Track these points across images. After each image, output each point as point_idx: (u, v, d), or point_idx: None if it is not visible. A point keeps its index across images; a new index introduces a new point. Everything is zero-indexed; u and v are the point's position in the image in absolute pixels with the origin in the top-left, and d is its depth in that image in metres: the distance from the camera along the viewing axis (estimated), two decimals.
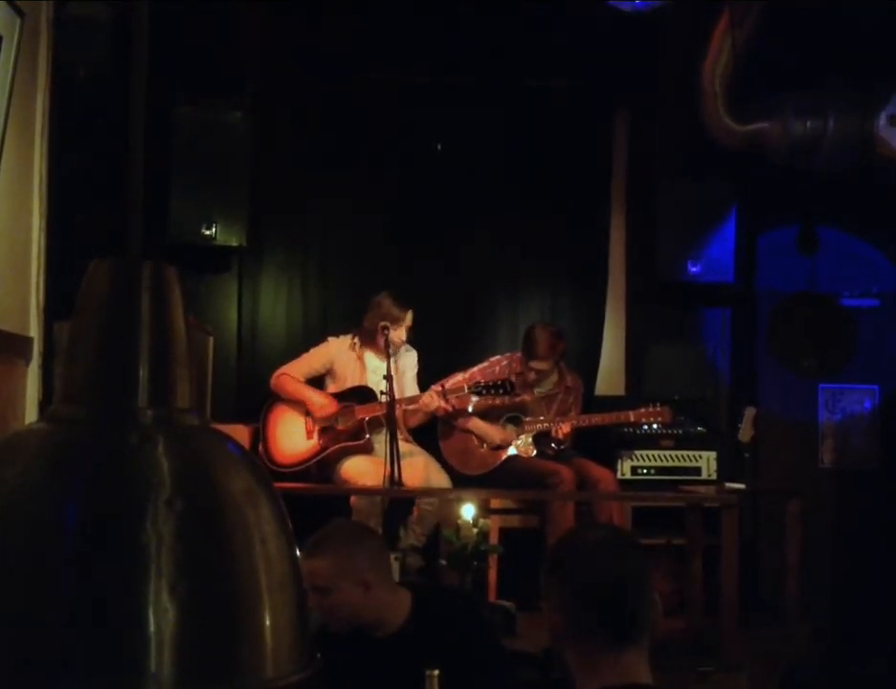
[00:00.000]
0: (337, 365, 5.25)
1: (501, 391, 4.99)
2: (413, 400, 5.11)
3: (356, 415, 5.04)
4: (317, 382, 5.28)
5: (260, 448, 5.09)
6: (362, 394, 5.09)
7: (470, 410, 5.19)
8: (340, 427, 5.07)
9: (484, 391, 5.00)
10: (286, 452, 5.09)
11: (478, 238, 5.99)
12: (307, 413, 5.13)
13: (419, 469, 4.95)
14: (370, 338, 5.17)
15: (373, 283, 5.37)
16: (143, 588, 0.71)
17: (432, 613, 2.78)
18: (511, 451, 5.24)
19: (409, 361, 5.33)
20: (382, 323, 5.04)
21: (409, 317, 5.16)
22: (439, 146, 5.83)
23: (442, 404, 5.09)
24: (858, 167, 5.45)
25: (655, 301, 6.09)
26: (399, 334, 5.14)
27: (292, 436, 5.11)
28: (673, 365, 5.93)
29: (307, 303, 5.99)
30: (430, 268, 5.94)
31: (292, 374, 5.19)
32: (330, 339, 5.34)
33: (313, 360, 5.28)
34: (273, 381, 5.20)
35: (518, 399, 5.18)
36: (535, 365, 5.22)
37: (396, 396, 4.90)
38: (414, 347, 5.36)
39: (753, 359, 6.10)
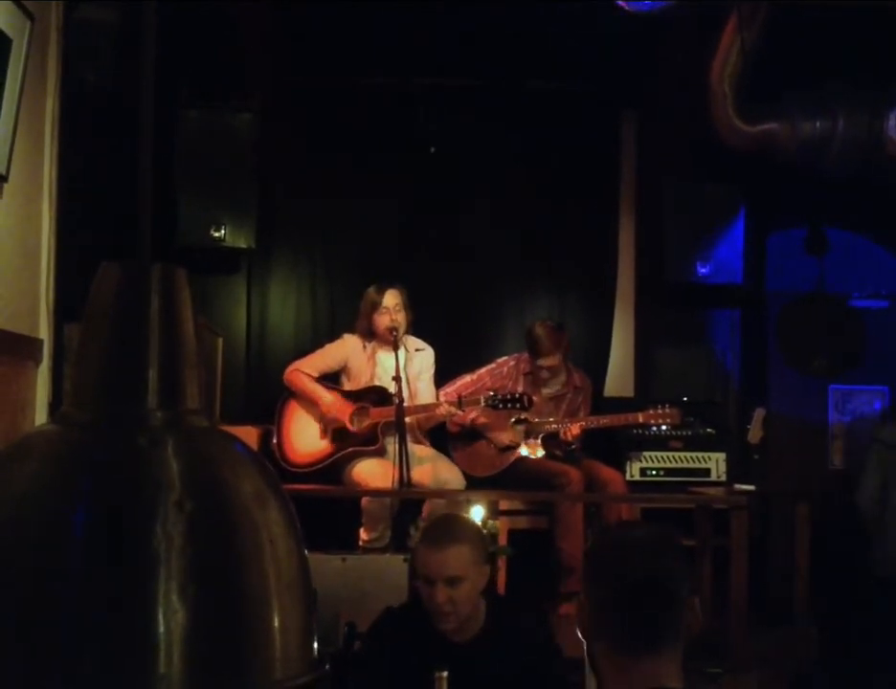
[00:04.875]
0: (352, 362, 5.20)
1: (518, 406, 4.94)
2: (427, 408, 5.08)
3: (370, 418, 5.02)
4: (332, 379, 5.25)
5: (274, 442, 5.08)
6: (377, 395, 5.06)
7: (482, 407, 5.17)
8: (354, 429, 5.04)
9: (501, 406, 4.95)
10: (299, 451, 5.08)
11: (485, 240, 5.99)
12: (321, 415, 5.11)
13: (428, 470, 4.94)
14: (381, 338, 5.14)
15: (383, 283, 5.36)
16: (152, 590, 0.72)
17: (504, 623, 2.76)
18: (521, 452, 5.23)
19: (424, 363, 5.24)
20: (389, 325, 5.02)
21: (389, 297, 5.06)
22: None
23: (459, 414, 5.07)
24: (867, 168, 5.43)
25: (664, 303, 6.08)
26: (384, 321, 5.02)
27: (306, 436, 5.10)
28: (682, 366, 5.92)
29: (316, 304, 6.00)
30: (437, 269, 5.95)
31: (305, 370, 5.15)
32: (346, 335, 5.28)
33: (328, 356, 5.24)
34: (286, 376, 5.16)
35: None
36: (544, 362, 5.20)
37: (413, 399, 4.91)
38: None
39: (763, 360, 6.09)
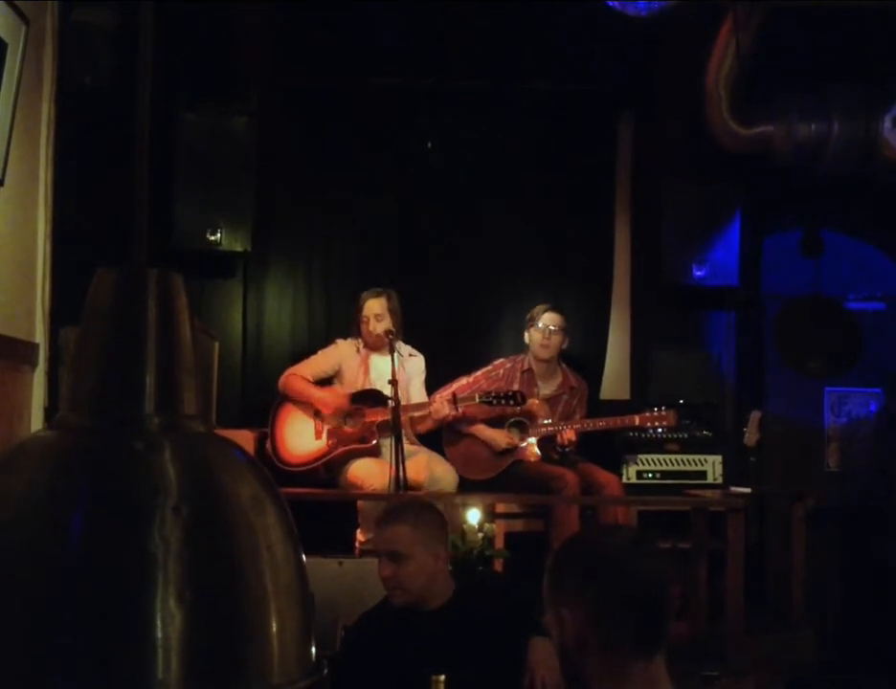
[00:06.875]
0: (345, 366, 5.24)
1: (511, 402, 5.00)
2: (422, 407, 5.11)
3: (366, 418, 5.04)
4: (325, 384, 5.26)
5: (268, 445, 5.08)
6: (373, 397, 5.08)
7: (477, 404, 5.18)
8: (349, 429, 5.06)
9: (495, 402, 5.00)
10: (294, 451, 5.09)
11: (482, 242, 5.99)
12: (317, 414, 5.13)
13: (423, 465, 4.96)
14: (371, 343, 5.18)
15: (377, 288, 5.37)
16: (150, 595, 0.72)
17: (472, 592, 2.93)
18: (520, 447, 5.24)
19: (415, 367, 5.29)
20: (387, 328, 5.04)
21: (370, 306, 5.14)
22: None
23: (453, 412, 5.09)
24: (863, 170, 5.44)
25: (660, 305, 6.08)
26: (365, 328, 5.14)
27: (301, 436, 5.11)
28: (678, 368, 5.92)
29: (312, 308, 6.00)
30: (434, 272, 5.95)
31: (301, 375, 5.19)
32: (339, 341, 5.32)
33: (322, 361, 5.27)
34: (281, 381, 5.19)
35: (525, 408, 5.17)
36: (549, 321, 5.26)
37: (405, 402, 4.91)
38: (419, 351, 5.36)
39: (759, 362, 6.09)
